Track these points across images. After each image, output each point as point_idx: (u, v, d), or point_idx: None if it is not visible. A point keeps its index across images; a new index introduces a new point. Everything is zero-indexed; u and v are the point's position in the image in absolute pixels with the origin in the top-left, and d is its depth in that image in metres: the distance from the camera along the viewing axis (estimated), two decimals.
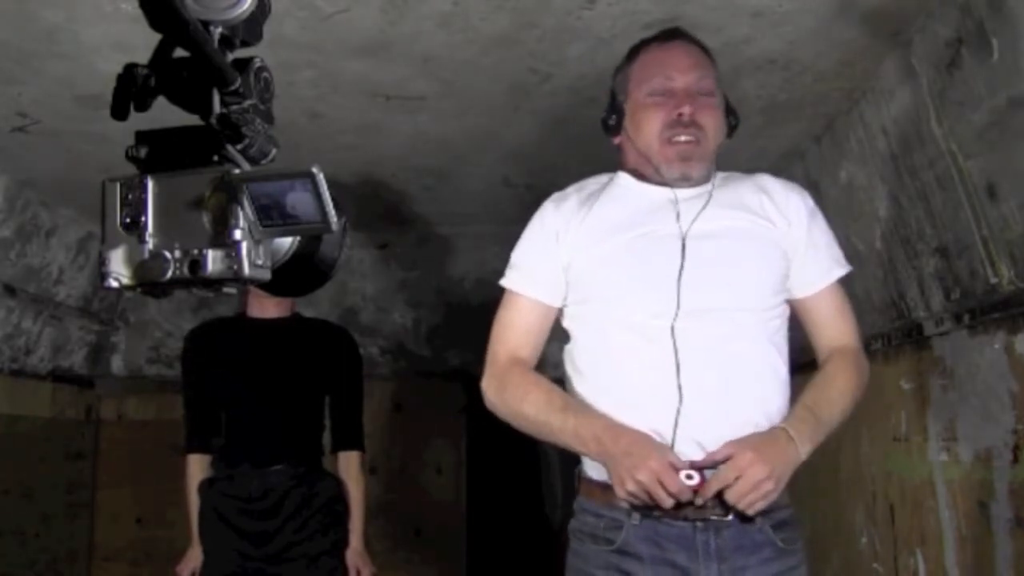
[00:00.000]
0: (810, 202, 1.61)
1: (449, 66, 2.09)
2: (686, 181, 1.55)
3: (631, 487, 1.37)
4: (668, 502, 1.37)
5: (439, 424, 4.07)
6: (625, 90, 1.61)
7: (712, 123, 1.55)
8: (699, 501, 1.39)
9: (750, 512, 1.39)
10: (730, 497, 1.37)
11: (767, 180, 1.62)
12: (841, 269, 1.61)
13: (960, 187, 1.93)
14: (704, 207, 1.53)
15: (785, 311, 1.57)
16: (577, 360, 1.57)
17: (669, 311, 1.46)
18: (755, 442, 1.40)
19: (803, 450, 1.42)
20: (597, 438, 1.44)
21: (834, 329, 1.60)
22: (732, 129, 1.63)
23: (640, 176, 1.61)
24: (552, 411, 1.50)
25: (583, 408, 1.51)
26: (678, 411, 1.42)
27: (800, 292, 1.59)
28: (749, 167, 2.74)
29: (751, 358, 1.48)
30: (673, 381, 1.43)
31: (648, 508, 1.42)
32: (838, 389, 1.53)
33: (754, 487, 1.36)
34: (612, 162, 1.70)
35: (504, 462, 4.15)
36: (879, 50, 2.01)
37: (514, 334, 1.61)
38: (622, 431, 1.43)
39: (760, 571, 1.43)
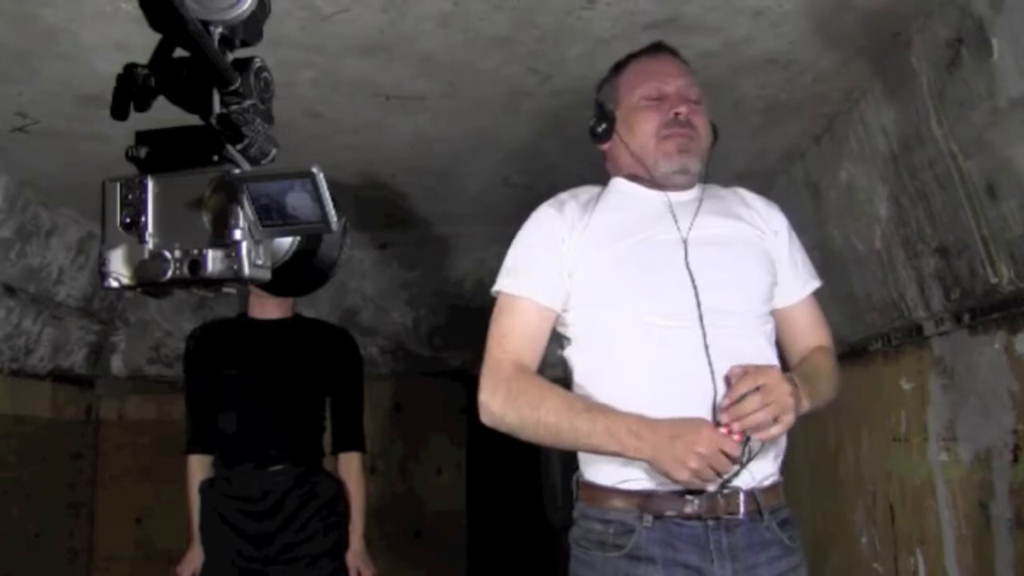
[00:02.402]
0: (786, 219, 1.69)
1: (449, 66, 2.09)
2: (683, 175, 1.59)
3: (695, 464, 1.35)
4: (731, 468, 1.38)
5: (439, 424, 4.07)
6: (615, 98, 1.66)
7: (703, 127, 1.62)
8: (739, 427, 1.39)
9: (773, 432, 1.38)
10: (747, 405, 1.36)
11: (748, 194, 1.71)
12: (816, 282, 1.70)
13: (960, 187, 1.93)
14: (699, 214, 1.58)
15: (772, 319, 1.61)
16: (583, 363, 1.57)
17: (689, 311, 1.47)
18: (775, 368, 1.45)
19: (802, 403, 1.44)
20: (634, 432, 1.39)
21: (815, 335, 1.67)
22: (711, 143, 1.68)
23: (635, 181, 1.64)
24: (575, 414, 1.46)
25: (607, 408, 1.46)
26: (714, 406, 1.43)
27: (782, 302, 1.64)
28: (749, 167, 2.75)
29: (758, 352, 1.51)
30: (705, 378, 1.44)
31: (660, 511, 1.43)
32: (825, 372, 1.59)
33: (779, 398, 1.37)
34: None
35: (504, 462, 4.15)
36: (879, 50, 2.01)
37: (517, 340, 1.56)
38: (656, 421, 1.41)
39: (769, 569, 1.44)
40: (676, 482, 1.38)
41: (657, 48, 1.68)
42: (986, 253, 1.91)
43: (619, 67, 1.69)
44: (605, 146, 1.69)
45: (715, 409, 1.42)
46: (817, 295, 1.70)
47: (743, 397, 1.38)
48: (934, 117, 1.93)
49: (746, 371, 1.40)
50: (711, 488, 1.40)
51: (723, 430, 1.38)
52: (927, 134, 1.98)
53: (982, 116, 1.76)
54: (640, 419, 1.42)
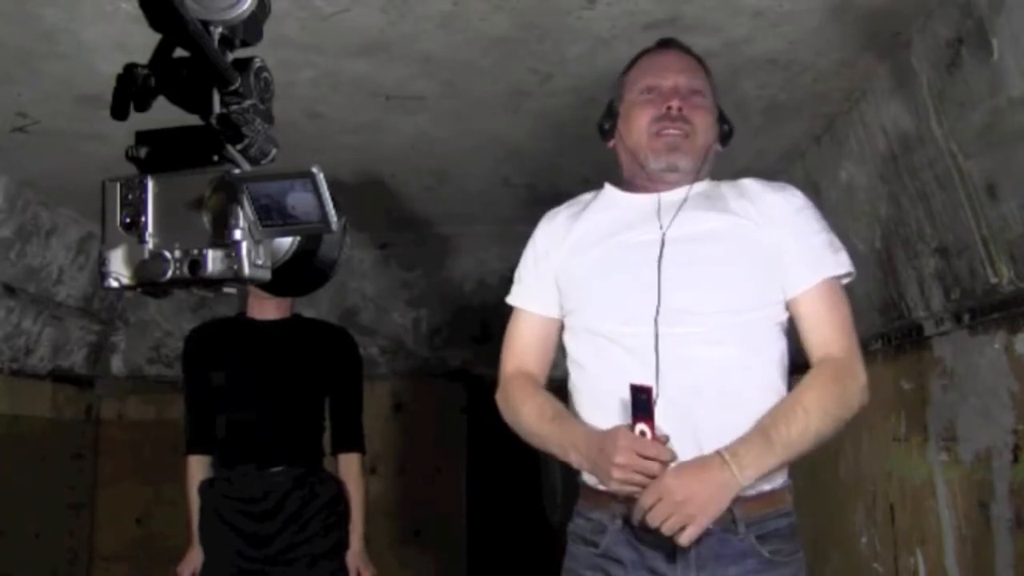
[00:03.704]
0: (798, 201, 1.56)
1: (449, 66, 2.09)
2: (672, 172, 1.55)
3: (617, 474, 1.36)
4: (656, 468, 1.35)
5: (439, 424, 4.07)
6: (620, 95, 1.65)
7: (701, 121, 1.56)
8: (634, 520, 1.38)
9: (681, 541, 1.34)
10: (651, 520, 1.34)
11: (750, 183, 1.60)
12: (832, 268, 1.52)
13: (960, 187, 1.93)
14: (684, 210, 1.53)
15: (778, 313, 1.53)
16: (570, 369, 1.61)
17: (647, 316, 1.45)
18: (681, 467, 1.37)
19: (743, 475, 1.36)
20: (575, 446, 1.46)
21: (820, 335, 1.50)
22: (726, 137, 1.65)
23: (627, 185, 1.64)
24: (543, 421, 1.54)
25: (567, 419, 1.54)
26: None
27: (788, 293, 1.51)
28: (749, 167, 2.75)
29: (727, 361, 1.45)
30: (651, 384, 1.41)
31: (628, 514, 1.42)
32: (803, 407, 1.43)
33: (673, 509, 1.33)
34: (611, 162, 1.71)
35: (504, 462, 4.15)
36: (879, 50, 2.01)
37: (519, 348, 1.66)
38: (595, 435, 1.44)
39: None
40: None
41: (665, 44, 1.66)
42: (986, 253, 1.91)
43: (630, 64, 1.67)
44: (611, 143, 1.67)
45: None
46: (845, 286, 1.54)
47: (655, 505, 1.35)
48: (934, 117, 1.93)
49: (646, 492, 1.36)
50: (654, 472, 1.35)
51: (639, 430, 1.35)
52: (927, 134, 1.98)
53: (982, 116, 1.76)
54: (584, 432, 1.47)
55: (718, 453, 1.37)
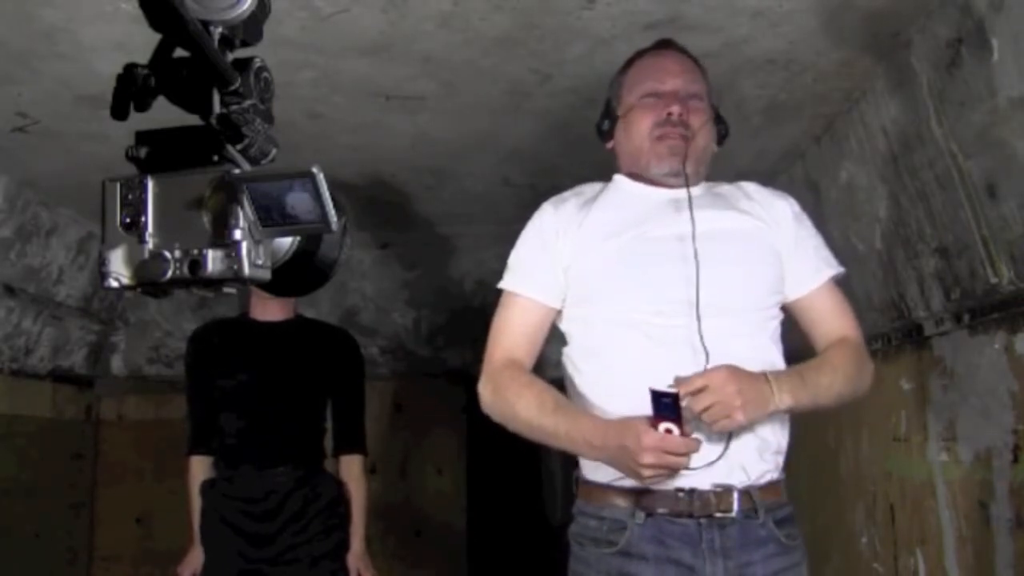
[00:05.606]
0: (796, 207, 1.64)
1: (449, 66, 2.09)
2: (675, 176, 1.57)
3: (646, 472, 1.35)
4: (687, 462, 1.35)
5: (439, 424, 4.07)
6: (618, 96, 1.66)
7: (701, 125, 1.58)
8: (701, 438, 1.38)
9: (716, 428, 1.37)
10: (694, 404, 1.36)
11: (752, 187, 1.66)
12: (831, 269, 1.63)
13: (960, 187, 1.93)
14: (700, 208, 1.54)
15: (780, 314, 1.59)
16: (579, 361, 1.57)
17: (682, 308, 1.46)
18: (731, 367, 1.40)
19: (780, 398, 1.41)
20: (587, 441, 1.44)
21: (832, 324, 1.61)
22: (722, 138, 1.67)
23: (636, 179, 1.64)
24: (544, 414, 1.49)
25: (572, 410, 1.51)
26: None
27: (794, 293, 1.60)
28: (749, 167, 2.75)
29: (757, 358, 1.49)
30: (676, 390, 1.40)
31: (652, 508, 1.42)
32: (830, 364, 1.54)
33: (720, 398, 1.35)
34: (611, 162, 1.71)
35: (504, 462, 4.15)
36: (879, 50, 2.01)
37: (511, 336, 1.61)
38: (608, 427, 1.42)
39: (765, 566, 1.43)
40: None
41: (663, 45, 1.67)
42: (986, 253, 1.91)
43: (628, 64, 1.68)
44: (609, 144, 1.69)
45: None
46: (840, 284, 1.65)
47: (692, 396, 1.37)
48: (934, 117, 1.94)
49: (691, 378, 1.39)
50: (686, 466, 1.36)
51: (663, 429, 1.34)
52: (927, 134, 1.98)
53: (982, 116, 1.77)
54: (596, 425, 1.44)
55: (762, 372, 1.43)
